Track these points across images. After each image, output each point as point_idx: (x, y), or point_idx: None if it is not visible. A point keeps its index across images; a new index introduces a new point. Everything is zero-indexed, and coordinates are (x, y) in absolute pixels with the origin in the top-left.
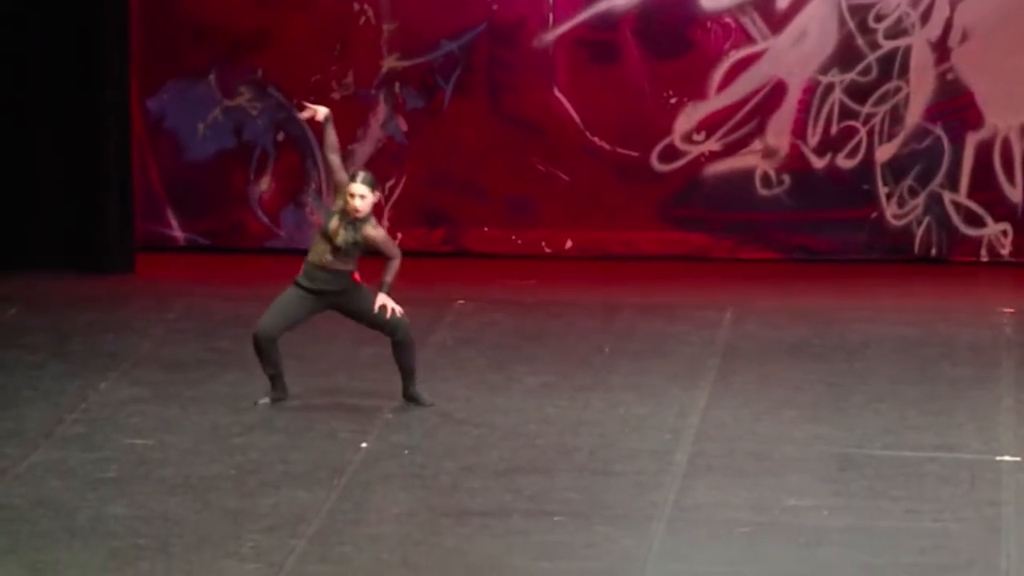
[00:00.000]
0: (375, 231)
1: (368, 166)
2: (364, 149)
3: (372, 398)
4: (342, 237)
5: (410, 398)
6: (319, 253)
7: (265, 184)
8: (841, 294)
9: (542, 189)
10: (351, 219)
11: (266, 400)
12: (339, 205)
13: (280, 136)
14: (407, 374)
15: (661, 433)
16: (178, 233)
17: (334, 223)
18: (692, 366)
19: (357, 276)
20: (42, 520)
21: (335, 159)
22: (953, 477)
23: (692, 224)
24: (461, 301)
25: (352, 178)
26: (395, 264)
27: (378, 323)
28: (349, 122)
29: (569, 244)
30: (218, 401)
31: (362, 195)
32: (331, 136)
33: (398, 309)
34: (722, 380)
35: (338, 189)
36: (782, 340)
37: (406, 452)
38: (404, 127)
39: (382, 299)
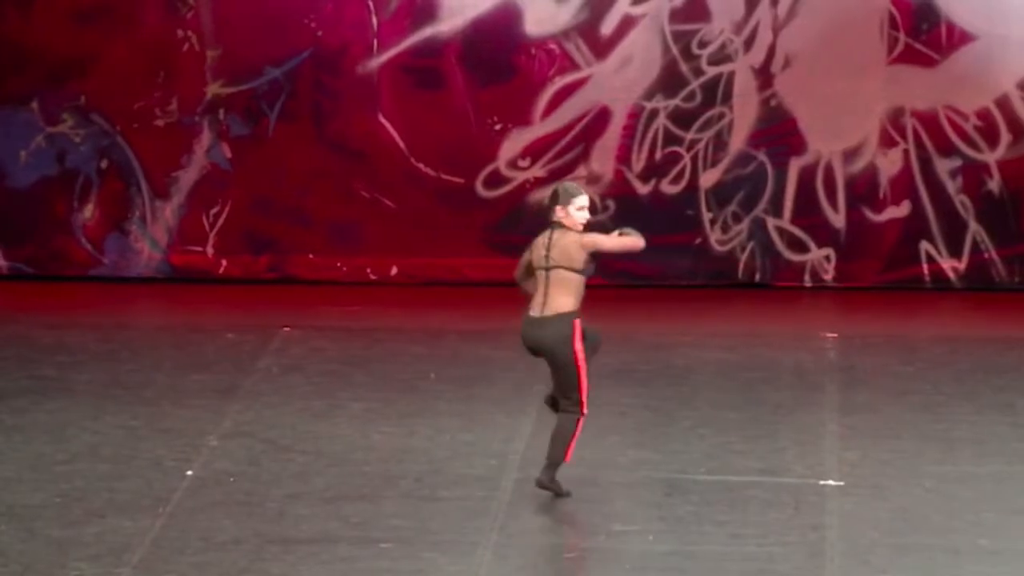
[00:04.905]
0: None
1: (192, 193)
2: (188, 176)
3: (197, 426)
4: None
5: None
6: None
7: (89, 211)
8: (665, 319)
9: (367, 215)
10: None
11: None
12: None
13: (104, 163)
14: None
15: (487, 459)
16: (0, 261)
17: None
18: (518, 392)
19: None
20: None
21: None
22: (777, 501)
23: (517, 250)
24: (286, 328)
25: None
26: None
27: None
28: (173, 149)
29: (394, 270)
30: (41, 429)
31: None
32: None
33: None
34: (547, 406)
35: None
36: (606, 365)
37: (232, 480)
38: (228, 154)
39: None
